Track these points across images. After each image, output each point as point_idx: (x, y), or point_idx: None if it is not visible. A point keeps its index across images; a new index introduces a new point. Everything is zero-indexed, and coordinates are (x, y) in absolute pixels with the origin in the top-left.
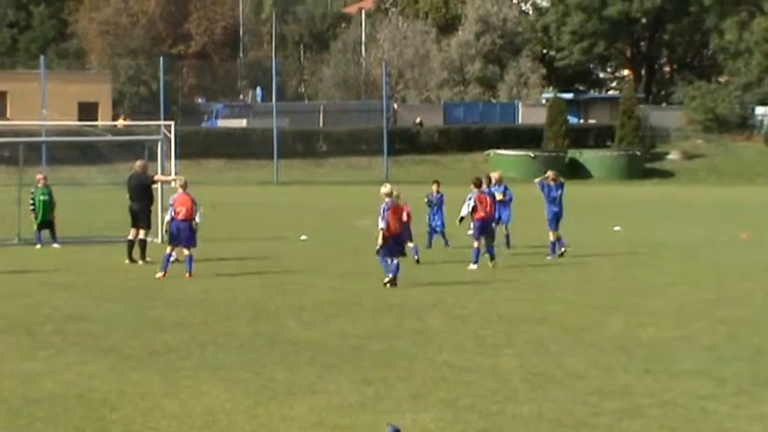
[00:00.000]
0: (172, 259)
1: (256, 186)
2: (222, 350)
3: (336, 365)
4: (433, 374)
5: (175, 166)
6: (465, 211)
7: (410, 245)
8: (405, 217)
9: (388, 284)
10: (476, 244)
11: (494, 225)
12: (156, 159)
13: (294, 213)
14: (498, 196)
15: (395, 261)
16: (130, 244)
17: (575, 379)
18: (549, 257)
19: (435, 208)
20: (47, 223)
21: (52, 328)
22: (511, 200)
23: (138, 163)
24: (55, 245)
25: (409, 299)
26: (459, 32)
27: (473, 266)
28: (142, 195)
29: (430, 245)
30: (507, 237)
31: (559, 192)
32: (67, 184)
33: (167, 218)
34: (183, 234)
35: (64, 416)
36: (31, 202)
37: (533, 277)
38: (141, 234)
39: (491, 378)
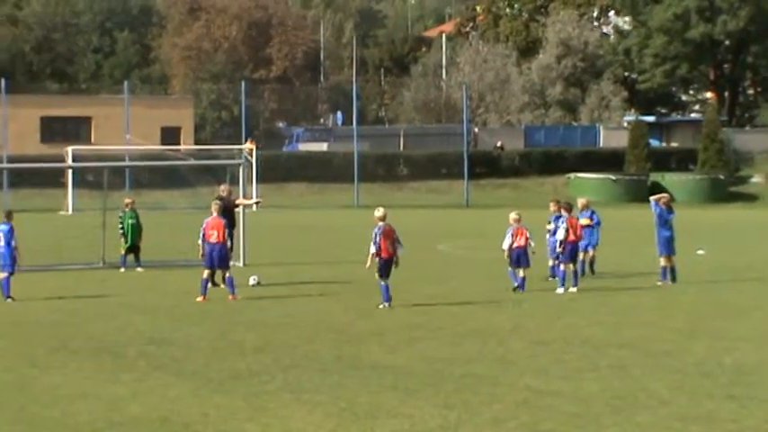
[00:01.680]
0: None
1: (337, 210)
2: (305, 373)
3: (418, 389)
4: (514, 399)
5: (257, 189)
6: (563, 234)
7: (521, 273)
8: (523, 241)
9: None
10: (563, 267)
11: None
12: (238, 183)
13: None
14: (585, 221)
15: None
16: None
17: (658, 404)
18: (659, 283)
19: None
20: (133, 247)
21: (136, 352)
22: (599, 224)
23: (223, 187)
24: (139, 269)
25: (491, 323)
26: (540, 55)
27: (560, 290)
28: (225, 219)
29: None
30: (592, 262)
31: (671, 216)
32: (150, 208)
33: (199, 242)
34: (217, 257)
35: None
36: (120, 226)
37: (616, 301)
38: None
39: (573, 402)
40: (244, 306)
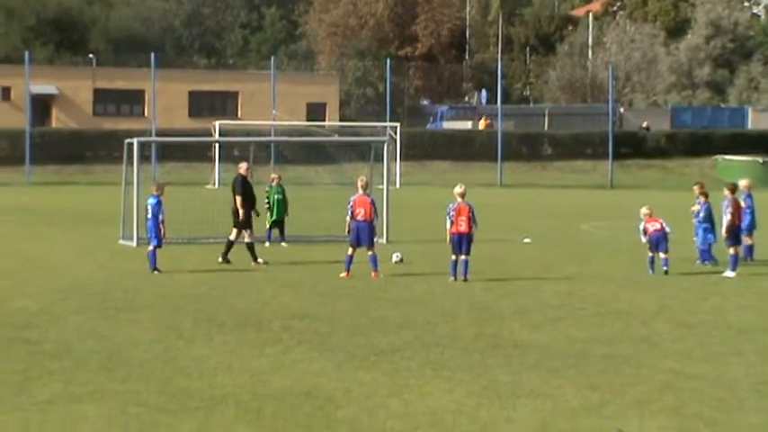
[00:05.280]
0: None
1: (480, 188)
2: (446, 351)
3: (561, 369)
4: (658, 381)
5: (400, 167)
6: (729, 219)
7: (662, 256)
8: (658, 225)
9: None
10: (732, 251)
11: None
12: (383, 160)
13: (518, 216)
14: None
15: (462, 258)
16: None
17: None
18: None
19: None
20: (279, 222)
21: (280, 326)
22: (749, 208)
23: (243, 165)
24: (283, 243)
25: (635, 305)
26: (689, 36)
27: (730, 274)
28: (248, 197)
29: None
30: (751, 247)
31: None
32: (295, 184)
33: (348, 219)
34: (363, 235)
35: (291, 412)
36: (267, 200)
37: (761, 286)
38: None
39: (718, 386)
40: (386, 283)
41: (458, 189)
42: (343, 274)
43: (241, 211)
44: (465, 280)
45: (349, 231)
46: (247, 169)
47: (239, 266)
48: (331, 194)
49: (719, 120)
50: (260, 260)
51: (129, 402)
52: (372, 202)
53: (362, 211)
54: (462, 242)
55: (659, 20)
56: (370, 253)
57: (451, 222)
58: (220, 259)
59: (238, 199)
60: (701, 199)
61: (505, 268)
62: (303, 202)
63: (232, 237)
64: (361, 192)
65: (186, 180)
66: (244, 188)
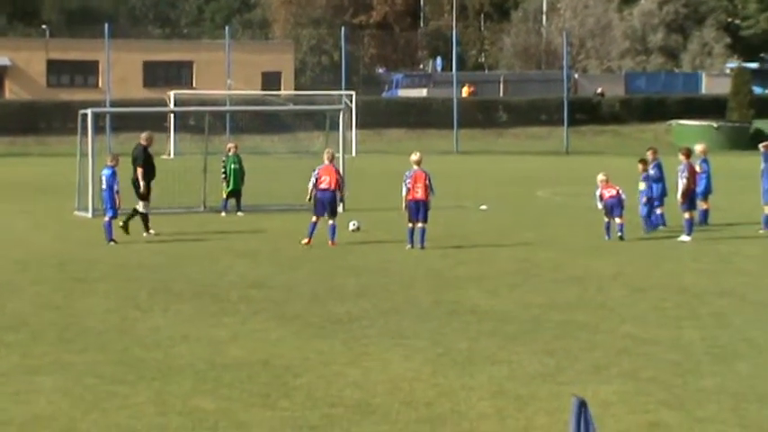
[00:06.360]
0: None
1: (436, 156)
2: (404, 319)
3: (517, 335)
4: (614, 346)
5: (356, 135)
6: (684, 184)
7: (618, 221)
8: (614, 191)
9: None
10: (687, 215)
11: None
12: (338, 129)
13: (474, 183)
14: (698, 168)
15: (419, 226)
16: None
17: (758, 352)
18: (761, 231)
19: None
20: (235, 191)
21: (237, 295)
22: (705, 173)
23: (144, 135)
24: (239, 213)
25: (590, 270)
26: (642, 1)
27: (686, 238)
28: (147, 168)
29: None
30: (706, 211)
31: None
32: (250, 153)
33: (310, 186)
34: (327, 203)
35: (248, 381)
36: (223, 170)
37: (716, 249)
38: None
39: (673, 350)
40: (343, 251)
41: (414, 156)
42: (304, 241)
43: (142, 183)
44: (422, 247)
45: (310, 199)
46: (147, 139)
47: (196, 237)
48: (287, 164)
49: (673, 85)
50: (151, 231)
51: (85, 373)
52: (338, 172)
53: (327, 179)
54: (419, 209)
55: None
56: (330, 222)
57: (408, 189)
58: (145, 234)
59: (139, 170)
60: (640, 167)
61: (462, 235)
62: (259, 171)
63: (141, 208)
64: (326, 162)
65: None
66: (146, 158)
